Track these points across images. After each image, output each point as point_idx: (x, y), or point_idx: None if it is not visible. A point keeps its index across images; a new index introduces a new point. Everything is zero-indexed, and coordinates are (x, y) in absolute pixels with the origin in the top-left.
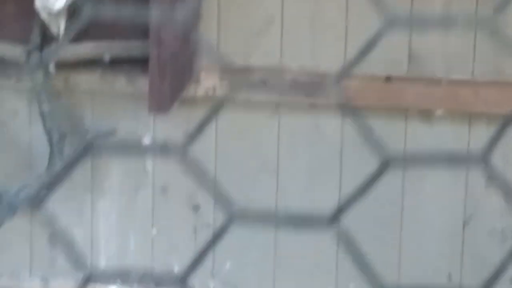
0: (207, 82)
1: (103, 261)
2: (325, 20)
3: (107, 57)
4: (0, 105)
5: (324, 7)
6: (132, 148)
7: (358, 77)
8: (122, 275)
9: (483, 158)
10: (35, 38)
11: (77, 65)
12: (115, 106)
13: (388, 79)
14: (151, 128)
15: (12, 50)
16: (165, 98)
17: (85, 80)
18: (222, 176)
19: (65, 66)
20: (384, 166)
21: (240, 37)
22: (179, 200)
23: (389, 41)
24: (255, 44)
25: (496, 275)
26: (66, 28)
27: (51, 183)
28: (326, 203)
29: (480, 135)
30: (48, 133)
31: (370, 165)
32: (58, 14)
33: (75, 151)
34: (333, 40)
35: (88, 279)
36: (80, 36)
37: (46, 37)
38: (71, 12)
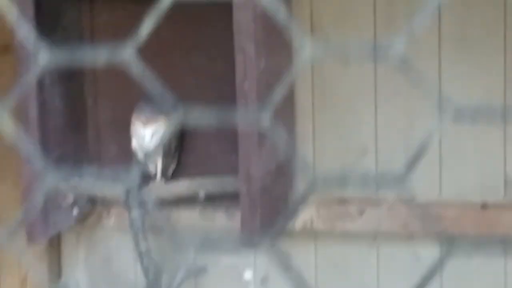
0: (304, 214)
1: None
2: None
3: (202, 194)
4: (105, 243)
5: (418, 135)
6: (234, 283)
7: (454, 204)
8: None
9: None
10: (134, 177)
11: (178, 201)
12: (216, 241)
13: (484, 206)
14: (252, 262)
15: (112, 189)
16: (256, 232)
17: (186, 216)
18: None
19: (166, 202)
20: None
21: (336, 167)
22: None
23: (485, 167)
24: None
25: None
26: (163, 167)
27: None
28: None
29: None
30: (145, 271)
31: None
32: (154, 153)
33: None
34: (428, 168)
35: None
36: (176, 174)
37: (144, 176)
38: (167, 150)
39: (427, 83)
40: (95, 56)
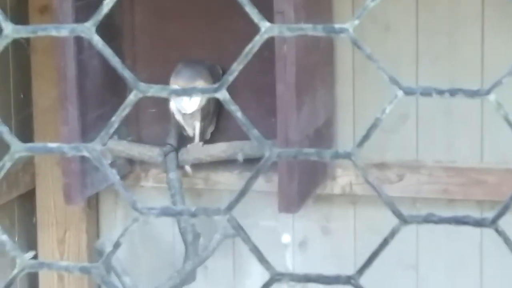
0: (343, 179)
1: None
2: (460, 114)
3: (240, 157)
4: (142, 204)
5: (459, 101)
6: (272, 246)
7: (495, 170)
8: None
9: None
10: (171, 139)
11: (216, 164)
12: (255, 204)
13: None
14: (291, 226)
15: (150, 151)
16: (294, 197)
17: (224, 179)
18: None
19: (204, 165)
20: None
21: (376, 133)
22: None
23: None
24: (391, 140)
25: None
26: (201, 130)
27: (183, 283)
28: None
29: None
30: (183, 233)
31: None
32: (192, 116)
33: (206, 252)
34: (470, 134)
35: None
36: (215, 138)
37: (182, 138)
38: (205, 113)
39: None
40: None
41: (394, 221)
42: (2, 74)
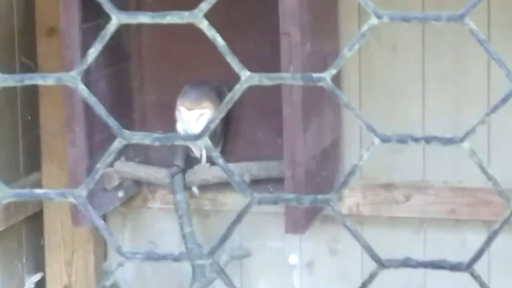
0: (351, 200)
1: None
2: None
3: (247, 178)
4: (150, 225)
5: (465, 119)
6: (279, 267)
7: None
8: None
9: None
10: (178, 161)
11: (223, 185)
12: (262, 225)
13: None
14: (298, 247)
15: (157, 173)
16: (301, 218)
17: (232, 200)
18: None
19: (212, 187)
20: None
21: (383, 153)
22: None
23: None
24: (398, 161)
25: None
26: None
27: None
28: None
29: None
30: (190, 254)
31: None
32: None
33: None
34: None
35: None
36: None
37: (189, 160)
38: (212, 134)
39: None
40: None
41: (401, 241)
42: (9, 96)
